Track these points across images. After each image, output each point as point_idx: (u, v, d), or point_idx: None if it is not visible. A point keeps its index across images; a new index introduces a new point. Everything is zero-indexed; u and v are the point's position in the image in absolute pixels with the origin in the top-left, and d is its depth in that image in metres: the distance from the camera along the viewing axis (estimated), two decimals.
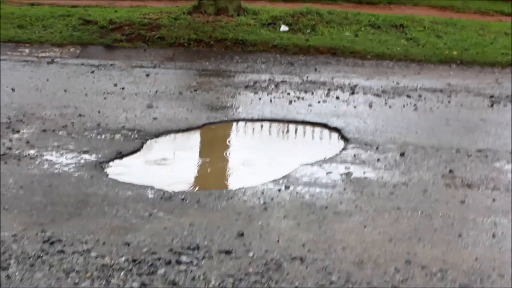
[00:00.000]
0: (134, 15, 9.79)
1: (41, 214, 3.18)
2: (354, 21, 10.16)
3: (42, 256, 2.70)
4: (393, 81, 7.24)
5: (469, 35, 9.73)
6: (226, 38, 8.99)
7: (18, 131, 4.71)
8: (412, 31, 9.78)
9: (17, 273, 2.56)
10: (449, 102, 6.26)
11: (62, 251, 2.75)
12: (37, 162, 4.01)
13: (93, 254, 2.73)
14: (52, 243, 2.82)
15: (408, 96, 6.41)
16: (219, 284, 2.51)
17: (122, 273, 2.57)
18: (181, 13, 9.97)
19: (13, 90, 6.15)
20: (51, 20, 9.75)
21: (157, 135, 4.78)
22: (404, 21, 10.20)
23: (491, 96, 6.55)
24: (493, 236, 3.08)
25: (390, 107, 5.94)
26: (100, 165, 4.01)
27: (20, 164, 3.97)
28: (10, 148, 4.26)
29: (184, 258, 2.70)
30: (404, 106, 6.00)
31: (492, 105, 6.17)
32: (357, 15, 10.33)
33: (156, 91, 6.36)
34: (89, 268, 2.61)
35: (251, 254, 2.77)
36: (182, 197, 3.44)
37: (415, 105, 6.03)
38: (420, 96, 6.45)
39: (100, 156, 4.17)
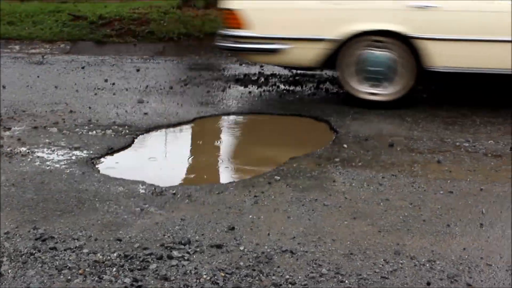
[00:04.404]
0: (124, 10, 9.75)
1: (33, 211, 3.18)
2: None
3: (34, 254, 2.71)
4: None
5: None
6: (216, 32, 8.95)
7: (9, 128, 4.70)
8: None
9: (9, 271, 2.57)
10: None
11: (54, 248, 2.76)
12: (28, 159, 4.01)
13: (85, 250, 2.74)
14: (44, 240, 2.83)
15: None
16: (210, 278, 2.52)
17: (114, 269, 2.58)
18: (170, 7, 9.94)
19: (3, 87, 6.12)
20: (41, 16, 9.69)
21: (148, 130, 4.78)
22: None
23: None
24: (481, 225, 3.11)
25: None
26: (92, 161, 4.01)
27: (12, 161, 3.96)
28: (1, 146, 4.26)
29: (175, 253, 2.71)
30: None
31: None
32: None
33: (147, 86, 6.35)
34: (81, 264, 2.62)
35: (242, 247, 2.78)
36: (173, 192, 3.45)
37: None
38: None
39: (91, 152, 4.18)
